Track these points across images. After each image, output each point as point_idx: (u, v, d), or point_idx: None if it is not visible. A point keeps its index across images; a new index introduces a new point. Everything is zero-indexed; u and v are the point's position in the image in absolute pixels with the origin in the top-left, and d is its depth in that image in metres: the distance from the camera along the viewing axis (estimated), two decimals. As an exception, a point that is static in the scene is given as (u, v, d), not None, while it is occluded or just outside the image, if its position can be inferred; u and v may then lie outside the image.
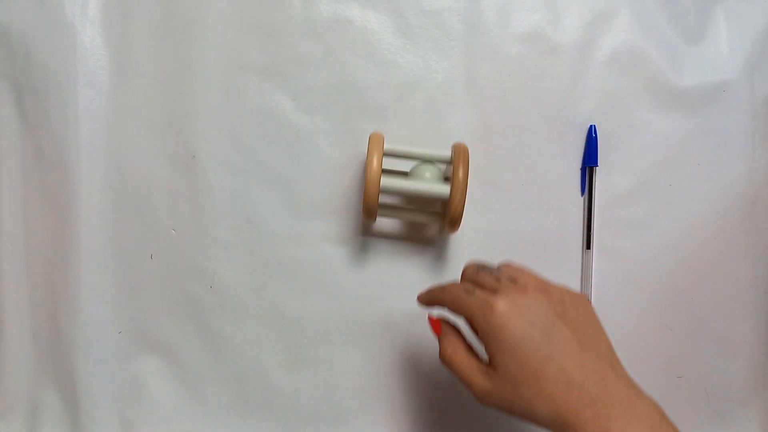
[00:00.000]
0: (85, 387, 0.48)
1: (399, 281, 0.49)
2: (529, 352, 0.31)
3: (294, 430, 0.49)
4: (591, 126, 0.50)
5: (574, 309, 0.34)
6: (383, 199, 0.46)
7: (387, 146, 0.44)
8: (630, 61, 0.50)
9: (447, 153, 0.45)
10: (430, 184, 0.43)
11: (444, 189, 0.43)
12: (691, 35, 0.50)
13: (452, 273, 0.50)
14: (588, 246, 0.49)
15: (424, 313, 0.49)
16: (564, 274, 0.50)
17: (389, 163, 0.46)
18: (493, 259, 0.49)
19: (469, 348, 0.36)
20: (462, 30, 0.50)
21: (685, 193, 0.50)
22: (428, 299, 0.40)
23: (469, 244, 0.49)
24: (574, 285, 0.50)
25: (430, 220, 0.47)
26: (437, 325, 0.39)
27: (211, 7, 0.49)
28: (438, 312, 0.41)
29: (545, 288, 0.34)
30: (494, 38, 0.50)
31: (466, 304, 0.34)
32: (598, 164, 0.49)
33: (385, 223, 0.49)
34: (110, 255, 0.49)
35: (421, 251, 0.50)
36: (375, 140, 0.43)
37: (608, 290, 0.50)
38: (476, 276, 0.36)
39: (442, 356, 0.36)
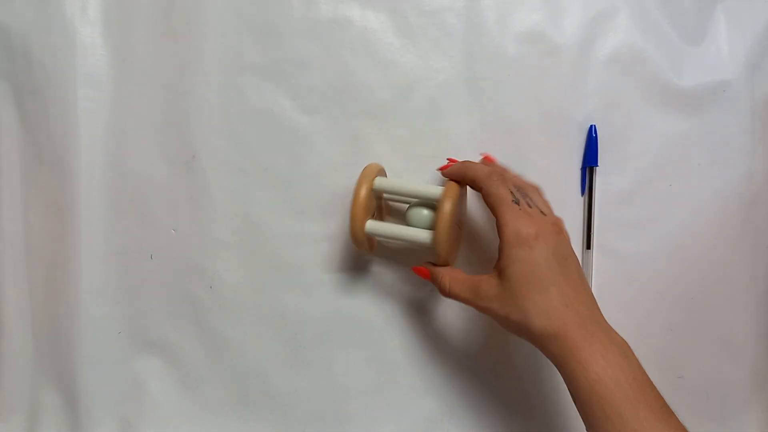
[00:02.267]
0: (85, 387, 0.48)
1: (399, 281, 0.49)
2: (543, 274, 0.35)
3: (294, 430, 0.49)
4: (591, 126, 0.49)
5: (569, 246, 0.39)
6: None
7: (377, 182, 0.43)
8: (630, 61, 0.50)
9: (436, 192, 0.42)
10: (413, 231, 0.42)
11: (426, 238, 0.41)
12: (691, 35, 0.50)
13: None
14: (588, 246, 0.49)
15: (423, 311, 0.49)
16: (564, 274, 0.50)
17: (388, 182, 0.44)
18: (493, 260, 0.49)
19: (460, 271, 0.40)
20: (462, 30, 0.50)
21: (685, 193, 0.50)
22: (460, 171, 0.41)
23: (470, 245, 0.49)
24: (574, 285, 0.50)
25: (424, 247, 0.43)
26: (425, 270, 0.42)
27: (211, 8, 0.49)
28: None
29: (563, 228, 0.39)
30: (494, 38, 0.49)
31: (510, 208, 0.37)
32: (598, 164, 0.49)
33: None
34: (110, 255, 0.49)
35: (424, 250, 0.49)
36: (366, 172, 0.43)
37: (608, 290, 0.49)
38: (516, 191, 0.39)
39: (443, 290, 0.40)
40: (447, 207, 0.40)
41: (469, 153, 0.49)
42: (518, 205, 0.37)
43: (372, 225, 0.43)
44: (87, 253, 0.48)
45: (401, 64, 0.49)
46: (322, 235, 0.49)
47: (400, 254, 0.49)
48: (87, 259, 0.48)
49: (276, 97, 0.49)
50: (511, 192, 0.38)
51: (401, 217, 0.49)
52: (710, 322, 0.50)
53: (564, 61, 0.50)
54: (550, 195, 0.49)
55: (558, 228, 0.38)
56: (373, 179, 0.43)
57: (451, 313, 0.49)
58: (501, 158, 0.50)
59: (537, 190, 0.42)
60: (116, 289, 0.49)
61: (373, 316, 0.49)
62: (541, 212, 0.38)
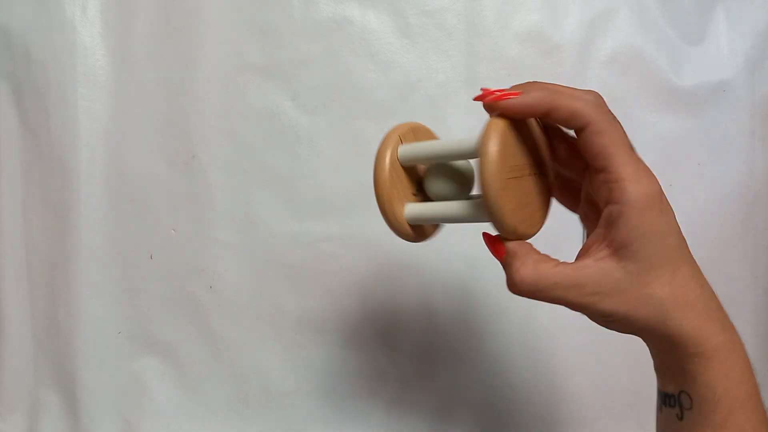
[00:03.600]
0: (85, 387, 0.48)
1: (400, 280, 0.49)
2: (675, 249, 0.26)
3: (294, 430, 0.49)
4: (591, 126, 0.49)
5: None
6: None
7: (402, 151, 0.31)
8: (630, 61, 0.50)
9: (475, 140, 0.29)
10: (456, 205, 0.30)
11: (470, 205, 0.30)
12: (691, 35, 0.50)
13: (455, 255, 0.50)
14: (588, 246, 0.49)
15: (423, 311, 0.49)
16: (564, 274, 0.50)
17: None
18: (494, 259, 0.49)
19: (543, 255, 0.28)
20: (462, 30, 0.50)
21: (685, 193, 0.50)
22: (543, 102, 0.27)
23: (469, 245, 0.49)
24: (574, 285, 0.50)
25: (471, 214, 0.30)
26: (501, 246, 0.29)
27: (211, 8, 0.49)
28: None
29: None
30: (494, 38, 0.49)
31: (631, 157, 0.26)
32: (598, 164, 0.49)
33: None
34: (110, 255, 0.49)
35: (424, 249, 0.49)
36: (389, 136, 0.31)
37: (608, 290, 0.49)
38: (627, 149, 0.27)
39: (522, 279, 0.27)
40: (492, 147, 0.26)
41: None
42: (634, 151, 0.27)
43: (413, 209, 0.31)
44: (87, 253, 0.48)
45: (401, 64, 0.49)
46: (322, 235, 0.49)
47: (402, 253, 0.49)
48: (87, 259, 0.48)
49: (276, 97, 0.49)
50: (625, 132, 0.27)
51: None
52: (710, 322, 0.50)
53: (564, 61, 0.50)
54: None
55: (662, 197, 0.27)
56: (396, 147, 0.31)
57: (452, 313, 0.49)
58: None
59: None
60: (116, 289, 0.49)
61: (374, 316, 0.49)
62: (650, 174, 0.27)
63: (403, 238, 0.32)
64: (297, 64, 0.49)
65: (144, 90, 0.49)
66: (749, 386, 0.26)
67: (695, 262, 0.28)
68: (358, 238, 0.49)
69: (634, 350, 0.52)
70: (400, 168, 0.31)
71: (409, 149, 0.31)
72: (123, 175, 0.49)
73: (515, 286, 0.27)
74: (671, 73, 0.50)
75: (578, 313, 0.32)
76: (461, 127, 0.49)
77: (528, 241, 0.29)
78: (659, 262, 0.26)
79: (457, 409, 0.49)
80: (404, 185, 0.32)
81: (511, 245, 0.28)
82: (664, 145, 0.50)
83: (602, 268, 0.26)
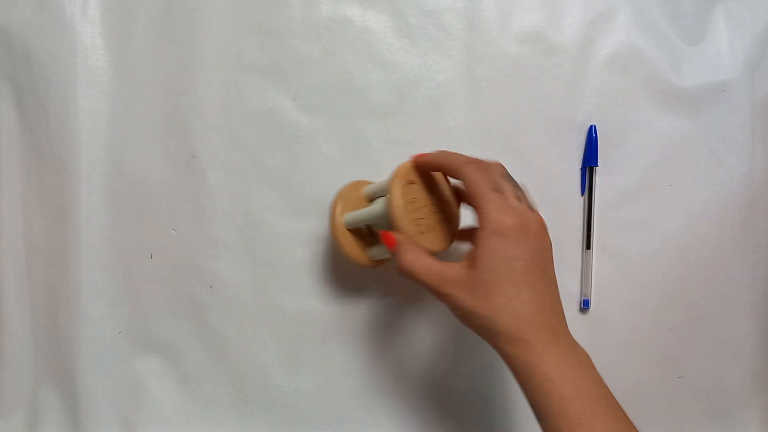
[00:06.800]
0: (85, 387, 0.48)
1: (400, 279, 0.49)
2: (520, 272, 0.33)
3: (294, 430, 0.49)
4: (591, 126, 0.49)
5: (552, 251, 0.36)
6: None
7: (346, 218, 0.43)
8: (630, 61, 0.50)
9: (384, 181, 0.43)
10: (374, 205, 0.42)
11: (382, 208, 0.40)
12: (691, 35, 0.50)
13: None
14: (588, 246, 0.49)
15: (423, 311, 0.49)
16: (564, 274, 0.50)
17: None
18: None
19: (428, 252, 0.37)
20: (462, 30, 0.50)
21: (685, 193, 0.50)
22: (436, 161, 0.38)
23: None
24: (574, 285, 0.50)
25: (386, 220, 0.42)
26: (391, 237, 0.38)
27: (211, 7, 0.49)
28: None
29: (546, 227, 0.36)
30: (494, 38, 0.49)
31: (490, 195, 0.34)
32: (598, 164, 0.49)
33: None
34: (110, 255, 0.49)
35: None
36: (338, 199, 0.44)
37: (608, 290, 0.50)
38: (501, 181, 0.35)
39: (403, 264, 0.36)
40: (398, 171, 0.39)
41: (468, 153, 0.49)
42: (499, 193, 0.34)
43: (347, 217, 0.43)
44: (87, 253, 0.48)
45: (401, 64, 0.49)
46: (322, 235, 0.49)
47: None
48: (87, 259, 0.48)
49: (276, 97, 0.49)
50: (494, 180, 0.35)
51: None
52: (710, 322, 0.50)
53: (564, 61, 0.50)
54: (550, 195, 0.50)
55: (544, 228, 0.35)
56: (341, 218, 0.43)
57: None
58: (501, 158, 0.49)
59: (525, 190, 0.39)
60: (116, 289, 0.49)
61: (374, 316, 0.49)
62: (530, 208, 0.35)
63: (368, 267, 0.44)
64: (297, 64, 0.49)
65: (144, 90, 0.49)
66: (573, 387, 0.32)
67: (547, 288, 0.34)
68: (358, 238, 0.49)
69: (634, 350, 0.52)
70: (348, 232, 0.44)
71: (349, 218, 0.43)
72: (123, 175, 0.49)
73: (399, 269, 0.36)
74: (671, 73, 0.50)
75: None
76: (461, 127, 0.49)
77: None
78: (503, 279, 0.33)
79: (457, 407, 0.49)
80: (358, 239, 0.44)
81: (400, 237, 0.37)
82: (663, 145, 0.50)
83: (460, 271, 0.34)
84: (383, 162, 0.49)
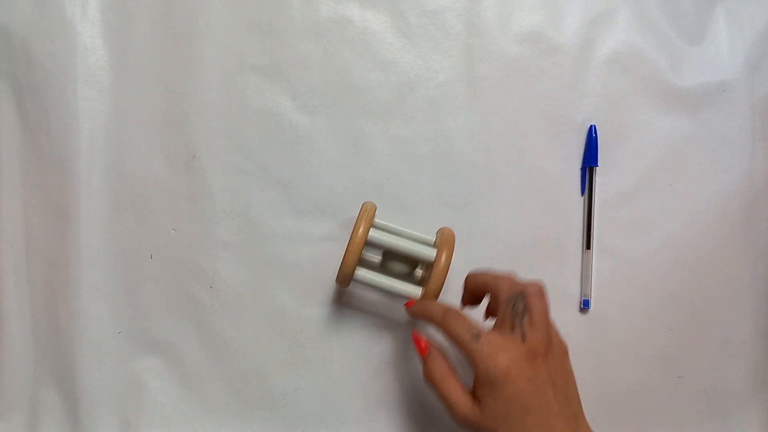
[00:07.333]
0: (85, 387, 0.48)
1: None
2: (518, 405, 0.34)
3: (294, 430, 0.49)
4: (591, 126, 0.50)
5: (560, 364, 0.36)
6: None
7: (372, 234, 0.43)
8: (630, 61, 0.50)
9: (431, 237, 0.46)
10: (403, 286, 0.44)
11: (416, 294, 0.44)
12: (691, 35, 0.50)
13: (453, 271, 0.50)
14: (588, 246, 0.49)
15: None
16: (564, 274, 0.50)
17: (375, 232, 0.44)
18: (493, 260, 0.49)
19: (454, 371, 0.38)
20: (462, 30, 0.50)
21: (685, 193, 0.50)
22: (420, 313, 0.41)
23: (470, 245, 0.49)
24: (574, 285, 0.50)
25: (406, 291, 0.45)
26: (424, 345, 0.40)
27: (211, 8, 0.49)
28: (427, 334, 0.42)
29: (549, 345, 0.36)
30: (494, 38, 0.50)
31: (470, 347, 0.35)
32: (598, 164, 0.49)
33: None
34: (110, 255, 0.49)
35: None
36: (365, 211, 0.43)
37: (608, 290, 0.50)
38: (478, 327, 0.36)
39: (429, 377, 0.38)
40: (442, 262, 0.42)
41: (468, 153, 0.49)
42: (477, 339, 0.35)
43: (363, 274, 0.44)
44: (87, 253, 0.48)
45: (401, 64, 0.49)
46: (322, 235, 0.49)
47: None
48: (87, 259, 0.48)
49: (276, 97, 0.49)
50: (469, 328, 0.36)
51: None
52: (710, 322, 0.50)
53: (564, 61, 0.50)
54: (550, 195, 0.50)
55: (533, 354, 0.34)
56: (371, 223, 0.43)
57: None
58: (501, 158, 0.50)
59: (538, 292, 0.37)
60: (116, 289, 0.49)
61: (374, 316, 0.49)
62: (523, 335, 0.35)
63: (341, 284, 0.44)
64: (297, 64, 0.49)
65: (144, 90, 0.49)
66: None
67: (554, 404, 0.34)
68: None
69: (634, 350, 0.52)
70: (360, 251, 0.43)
71: (377, 234, 0.43)
72: (123, 175, 0.49)
73: (424, 376, 0.39)
74: (671, 73, 0.50)
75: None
76: (461, 127, 0.49)
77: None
78: (501, 419, 0.34)
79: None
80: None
81: (433, 350, 0.40)
82: (663, 145, 0.50)
83: (472, 409, 0.36)
84: (383, 161, 0.49)
